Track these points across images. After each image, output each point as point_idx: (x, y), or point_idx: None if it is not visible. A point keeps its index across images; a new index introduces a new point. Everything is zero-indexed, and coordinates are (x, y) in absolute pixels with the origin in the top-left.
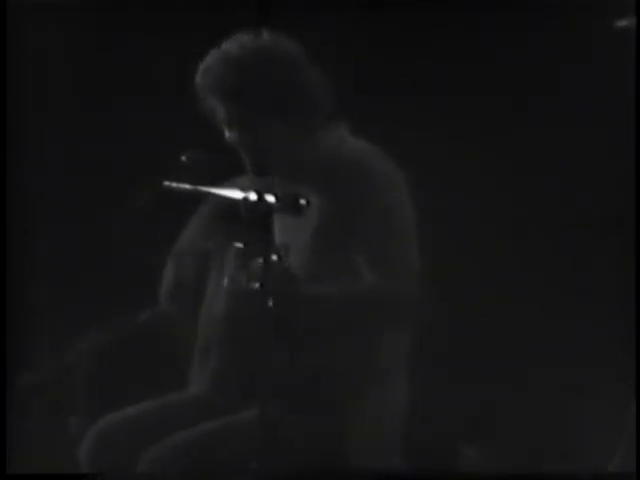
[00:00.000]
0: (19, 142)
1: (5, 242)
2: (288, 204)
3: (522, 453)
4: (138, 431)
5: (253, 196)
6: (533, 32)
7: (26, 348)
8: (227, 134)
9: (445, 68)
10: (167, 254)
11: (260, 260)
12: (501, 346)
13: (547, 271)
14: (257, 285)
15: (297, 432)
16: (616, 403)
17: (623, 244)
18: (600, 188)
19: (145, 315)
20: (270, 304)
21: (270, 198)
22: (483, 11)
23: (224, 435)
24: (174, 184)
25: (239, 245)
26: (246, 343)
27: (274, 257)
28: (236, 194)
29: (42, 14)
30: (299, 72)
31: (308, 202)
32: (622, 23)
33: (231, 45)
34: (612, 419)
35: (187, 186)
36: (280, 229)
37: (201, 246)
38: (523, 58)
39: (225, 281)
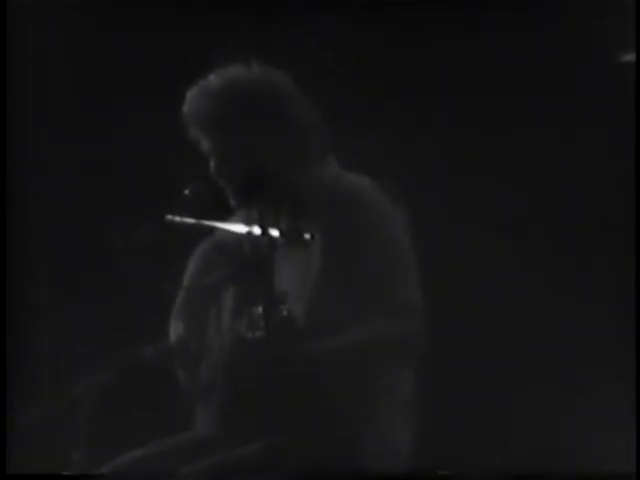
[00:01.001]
0: (19, 142)
1: (5, 242)
2: (292, 239)
3: (522, 453)
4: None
5: (257, 230)
6: (533, 32)
7: (26, 348)
8: (212, 166)
9: (445, 68)
10: (170, 285)
11: (261, 308)
12: (502, 347)
13: (547, 271)
14: (258, 334)
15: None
16: (616, 403)
17: (623, 244)
18: (600, 188)
19: (150, 351)
20: (271, 353)
21: (274, 232)
22: (483, 11)
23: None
24: (177, 218)
25: (240, 288)
26: (249, 386)
27: (275, 305)
28: (240, 228)
29: (42, 14)
30: (287, 105)
31: (312, 236)
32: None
33: (218, 78)
34: (612, 419)
35: (190, 220)
36: (280, 271)
37: (204, 283)
38: (523, 58)
39: (226, 327)
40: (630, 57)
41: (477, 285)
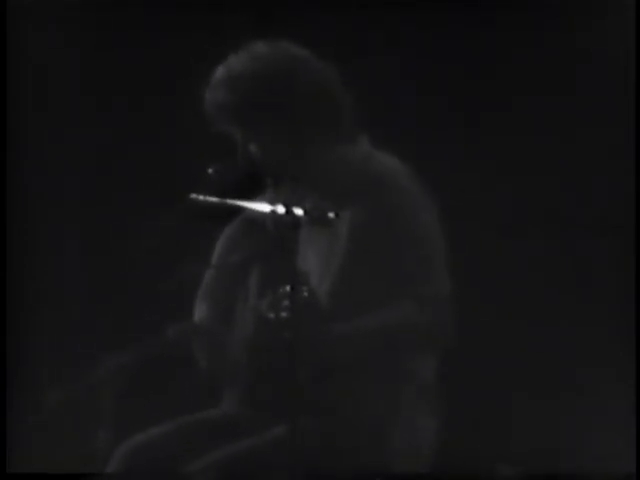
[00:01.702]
0: (19, 142)
1: (5, 242)
2: (316, 217)
3: (522, 453)
4: (165, 452)
5: (281, 209)
6: (533, 32)
7: (26, 348)
8: (241, 149)
9: (445, 68)
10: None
11: (286, 288)
12: (502, 347)
13: (547, 271)
14: (283, 314)
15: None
16: (616, 403)
17: (623, 244)
18: (600, 188)
19: (173, 330)
20: (290, 334)
21: (298, 211)
22: (483, 11)
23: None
24: (201, 197)
25: (263, 268)
26: (273, 366)
27: (299, 287)
28: (263, 207)
29: (42, 14)
30: (311, 84)
31: (337, 215)
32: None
33: (240, 58)
34: (612, 419)
35: (214, 199)
36: (304, 252)
37: (228, 262)
38: (523, 58)
39: (249, 307)
40: (630, 57)
41: (477, 285)
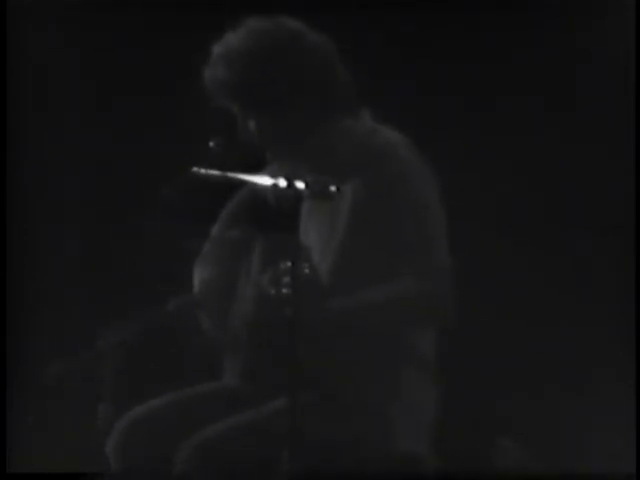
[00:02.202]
0: (19, 142)
1: (5, 242)
2: (318, 190)
3: (522, 453)
4: (166, 424)
5: (282, 183)
6: (533, 32)
7: (26, 348)
8: (240, 125)
9: (445, 68)
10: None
11: (287, 264)
12: (501, 347)
13: (547, 271)
14: (284, 290)
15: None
16: (616, 403)
17: (623, 244)
18: (600, 188)
19: (172, 305)
20: (293, 311)
21: (300, 184)
22: (483, 11)
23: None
24: (202, 170)
25: (265, 246)
26: (273, 342)
27: (300, 263)
28: (265, 181)
29: (42, 14)
30: (312, 58)
31: (338, 188)
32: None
33: (238, 34)
34: (612, 419)
35: (216, 172)
36: (306, 227)
37: (229, 235)
38: (523, 58)
39: (252, 283)
40: (630, 57)
41: (476, 285)
